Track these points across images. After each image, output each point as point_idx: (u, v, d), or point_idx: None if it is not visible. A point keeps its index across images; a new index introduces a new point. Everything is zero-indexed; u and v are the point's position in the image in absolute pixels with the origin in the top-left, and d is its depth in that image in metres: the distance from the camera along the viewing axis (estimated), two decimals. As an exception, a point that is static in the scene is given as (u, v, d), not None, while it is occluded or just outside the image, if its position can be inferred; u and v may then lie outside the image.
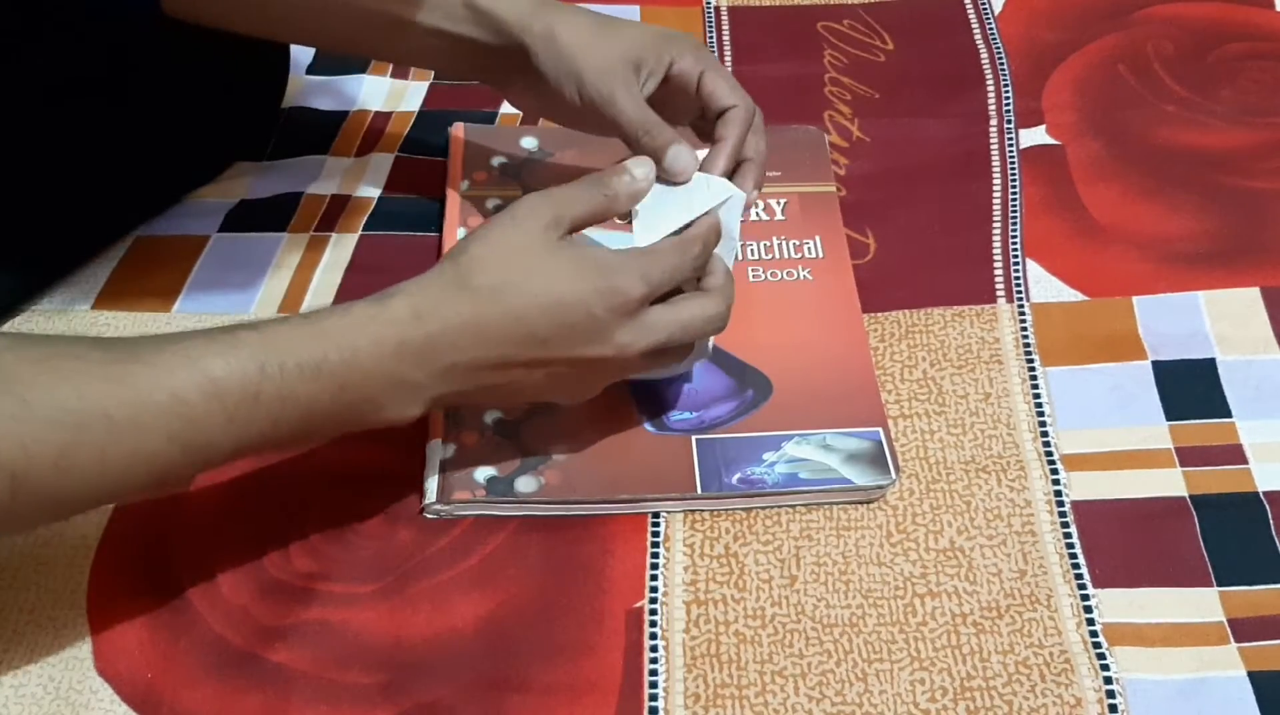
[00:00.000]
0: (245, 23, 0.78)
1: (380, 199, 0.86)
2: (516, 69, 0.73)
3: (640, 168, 0.66)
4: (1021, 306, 0.78)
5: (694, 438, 0.70)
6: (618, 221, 0.67)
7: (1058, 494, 0.68)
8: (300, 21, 0.80)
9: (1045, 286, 0.79)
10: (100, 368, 0.54)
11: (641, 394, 0.72)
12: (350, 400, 0.59)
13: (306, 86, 0.97)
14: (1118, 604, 0.64)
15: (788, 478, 0.68)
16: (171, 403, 0.54)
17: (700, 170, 0.68)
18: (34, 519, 0.57)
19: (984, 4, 1.01)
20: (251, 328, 0.58)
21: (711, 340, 0.68)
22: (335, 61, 0.99)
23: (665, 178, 0.67)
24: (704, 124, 0.73)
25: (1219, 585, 0.64)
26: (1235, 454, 0.69)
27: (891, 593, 0.65)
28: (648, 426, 0.71)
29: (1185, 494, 0.68)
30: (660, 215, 0.66)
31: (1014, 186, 0.86)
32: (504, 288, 0.60)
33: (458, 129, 0.89)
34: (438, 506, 0.68)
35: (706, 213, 0.65)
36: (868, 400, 0.72)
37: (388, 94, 0.96)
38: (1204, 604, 0.63)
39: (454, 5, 0.73)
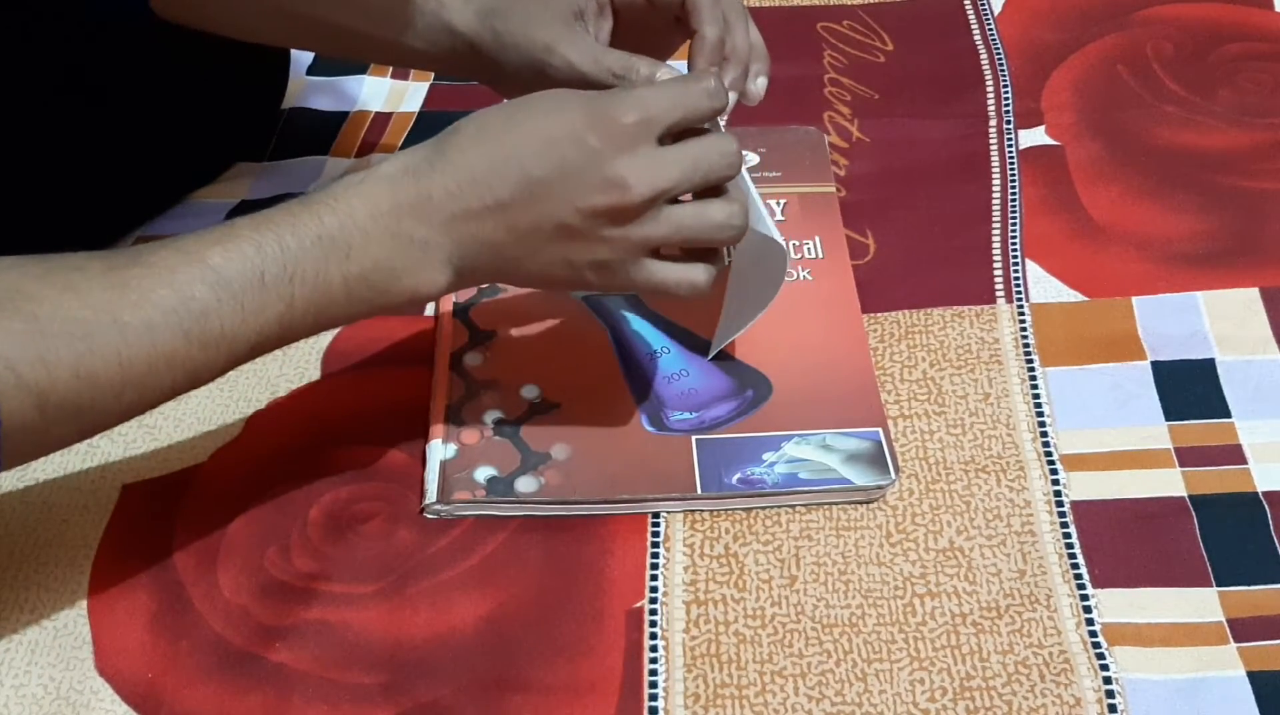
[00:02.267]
0: (228, 28, 0.78)
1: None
2: (482, 68, 0.72)
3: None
4: (1021, 307, 0.78)
5: (694, 438, 0.70)
6: None
7: (1057, 494, 0.68)
8: (280, 33, 0.80)
9: (1045, 287, 0.79)
10: (103, 276, 0.55)
11: (641, 394, 0.72)
12: (361, 268, 0.58)
13: (307, 87, 0.97)
14: (1117, 604, 0.64)
15: (787, 478, 0.68)
16: (178, 299, 0.55)
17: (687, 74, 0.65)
18: (67, 435, 0.57)
19: (984, 4, 1.02)
20: (247, 218, 0.58)
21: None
22: (336, 62, 0.99)
23: None
24: (678, 26, 0.69)
25: (1218, 585, 0.64)
26: (1235, 454, 0.69)
27: (891, 593, 0.65)
28: (648, 426, 0.71)
29: (1185, 494, 0.68)
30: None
31: (1013, 187, 0.86)
32: (492, 131, 0.60)
33: (458, 129, 0.89)
34: (438, 506, 0.68)
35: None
36: (867, 400, 0.72)
37: (388, 95, 0.96)
38: (1203, 604, 0.63)
39: (423, 27, 0.72)
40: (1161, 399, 0.72)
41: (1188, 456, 0.69)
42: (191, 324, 0.55)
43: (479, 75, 0.74)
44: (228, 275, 0.56)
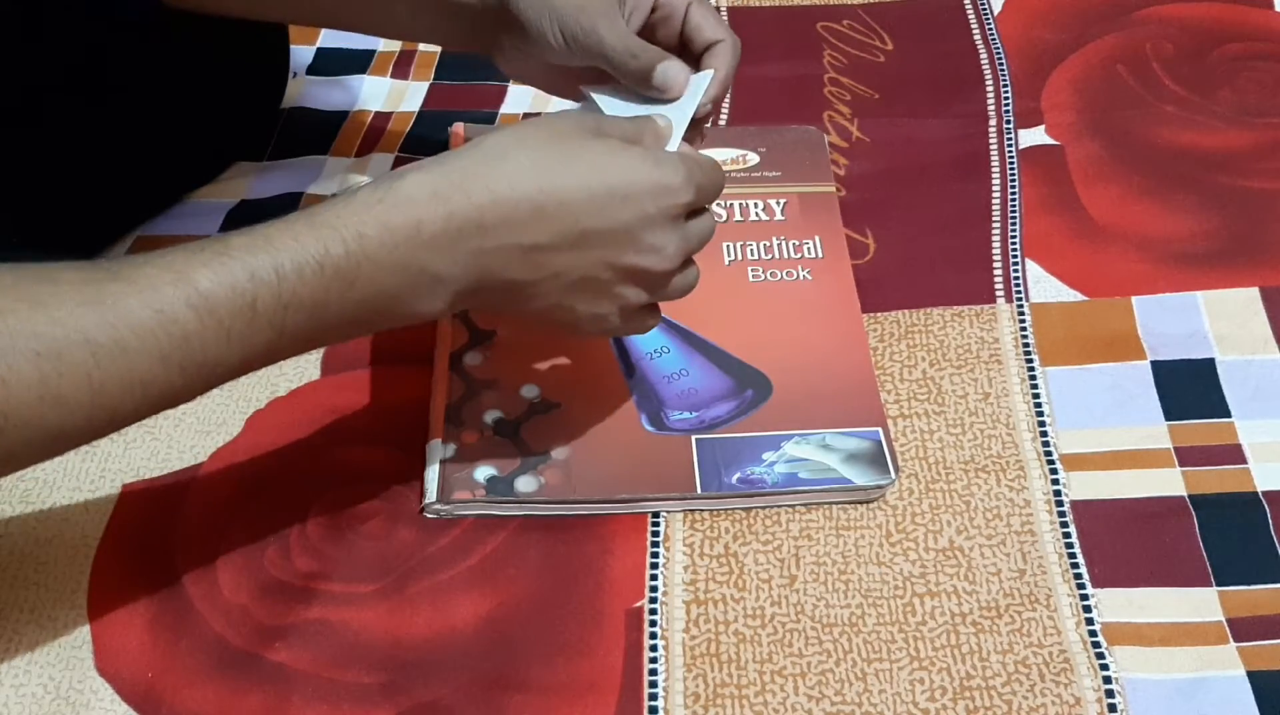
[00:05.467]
0: (240, 6, 0.78)
1: (380, 199, 0.86)
2: (503, 27, 0.70)
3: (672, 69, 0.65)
4: (1021, 306, 0.78)
5: (694, 437, 0.70)
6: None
7: (1057, 494, 0.68)
8: (297, 10, 0.80)
9: (1044, 286, 0.79)
10: (76, 290, 0.51)
11: (641, 393, 0.72)
12: (363, 297, 0.55)
13: (307, 86, 0.97)
14: (1117, 604, 0.64)
15: (787, 477, 0.68)
16: (158, 321, 0.51)
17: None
18: (31, 455, 0.53)
19: (983, 4, 1.02)
20: (243, 233, 0.54)
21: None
22: (335, 62, 0.99)
23: (657, 96, 0.65)
24: (686, 57, 0.69)
25: (1218, 585, 0.64)
26: (1234, 454, 0.69)
27: (891, 592, 0.65)
28: (648, 426, 0.71)
29: (1184, 494, 0.68)
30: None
31: (1013, 186, 0.86)
32: (544, 167, 0.56)
33: (458, 129, 0.89)
34: (438, 506, 0.68)
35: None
36: (867, 400, 0.72)
37: (388, 94, 0.96)
38: (1203, 604, 0.63)
39: None
40: (1161, 399, 0.72)
41: (1188, 456, 0.69)
42: (171, 348, 0.51)
43: (482, 35, 0.72)
44: (215, 300, 0.52)
